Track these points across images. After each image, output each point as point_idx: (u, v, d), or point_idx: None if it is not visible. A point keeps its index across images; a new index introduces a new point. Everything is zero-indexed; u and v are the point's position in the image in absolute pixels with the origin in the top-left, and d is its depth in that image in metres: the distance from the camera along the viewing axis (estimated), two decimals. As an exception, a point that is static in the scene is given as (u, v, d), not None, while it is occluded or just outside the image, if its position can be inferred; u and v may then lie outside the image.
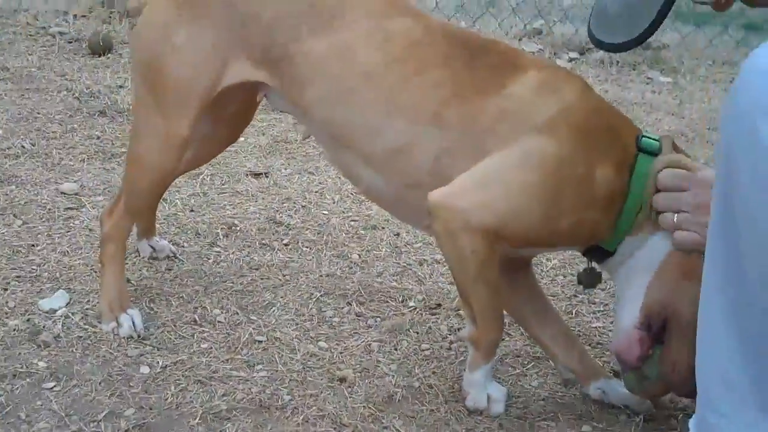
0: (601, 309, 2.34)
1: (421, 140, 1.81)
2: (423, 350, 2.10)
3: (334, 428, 1.78)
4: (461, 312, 2.24)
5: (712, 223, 1.37)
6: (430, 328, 2.19)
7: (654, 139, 1.79)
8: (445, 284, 2.40)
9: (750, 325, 1.34)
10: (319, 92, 1.88)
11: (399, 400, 1.90)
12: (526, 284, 1.98)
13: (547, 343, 1.96)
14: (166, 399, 1.83)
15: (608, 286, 2.36)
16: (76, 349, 1.98)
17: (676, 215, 1.72)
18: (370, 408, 1.86)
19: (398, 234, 2.68)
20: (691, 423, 1.48)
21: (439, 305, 2.30)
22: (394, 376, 1.98)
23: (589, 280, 1.93)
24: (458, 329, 2.18)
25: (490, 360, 1.87)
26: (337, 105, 1.87)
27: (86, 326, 2.07)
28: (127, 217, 2.12)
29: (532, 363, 2.07)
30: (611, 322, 2.21)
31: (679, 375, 1.71)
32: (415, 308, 2.28)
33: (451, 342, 2.13)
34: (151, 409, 1.80)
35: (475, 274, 1.77)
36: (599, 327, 2.24)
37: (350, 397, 1.89)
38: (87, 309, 2.13)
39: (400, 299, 2.32)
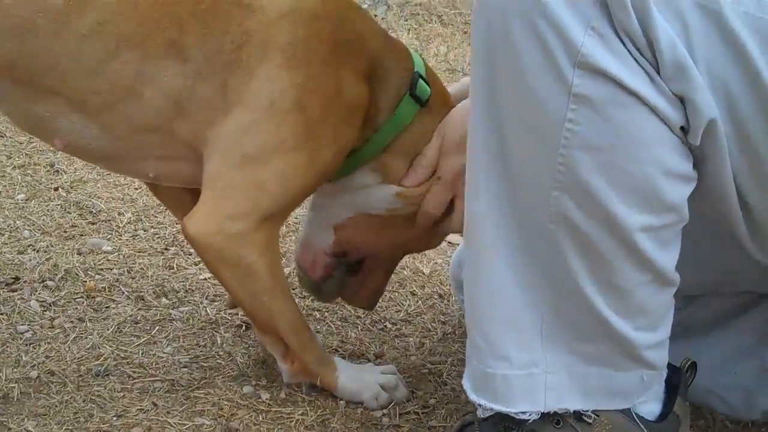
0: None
1: (156, 79, 1.39)
2: (22, 333, 1.69)
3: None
4: (47, 283, 1.87)
5: (474, 149, 1.22)
6: (18, 306, 1.78)
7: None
8: (14, 254, 1.98)
9: (534, 248, 1.21)
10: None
11: (18, 397, 1.50)
12: None
13: None
14: None
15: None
16: None
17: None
18: (-16, 414, 1.45)
19: None
20: (466, 382, 1.31)
21: (17, 278, 1.88)
22: (-3, 369, 1.57)
23: None
24: (51, 303, 1.79)
25: (332, 363, 1.54)
26: (30, 33, 1.36)
27: None
28: None
29: (157, 328, 1.76)
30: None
31: (358, 300, 1.63)
32: (-12, 287, 1.85)
33: (52, 318, 1.75)
34: None
35: (269, 285, 1.44)
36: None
37: (-49, 405, 1.45)
38: None
39: (-35, 279, 1.87)
